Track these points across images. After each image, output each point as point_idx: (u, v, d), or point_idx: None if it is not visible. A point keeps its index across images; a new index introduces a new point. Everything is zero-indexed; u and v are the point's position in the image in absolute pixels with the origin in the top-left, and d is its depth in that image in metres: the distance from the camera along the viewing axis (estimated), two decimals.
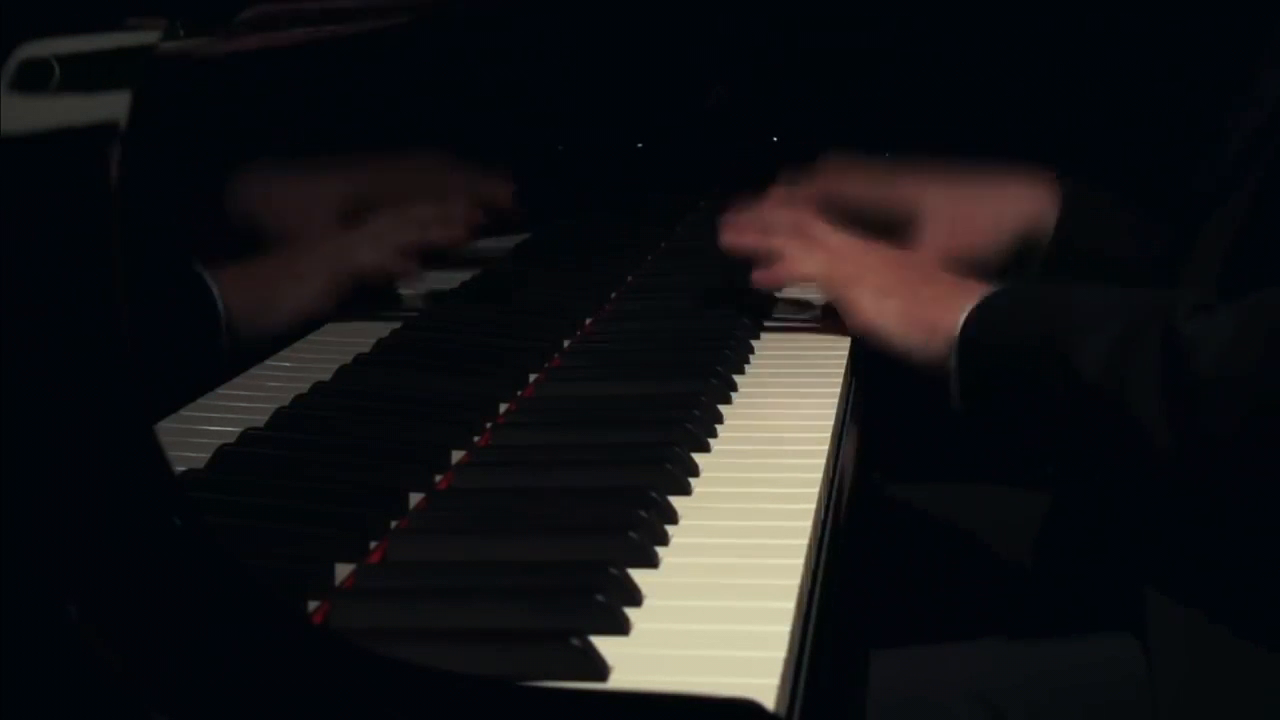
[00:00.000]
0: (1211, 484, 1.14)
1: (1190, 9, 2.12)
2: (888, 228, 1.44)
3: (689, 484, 1.00)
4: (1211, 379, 1.09)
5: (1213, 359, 1.09)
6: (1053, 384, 1.18)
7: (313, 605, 0.81)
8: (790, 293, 1.46)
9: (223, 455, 0.99)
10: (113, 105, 0.74)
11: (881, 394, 1.34)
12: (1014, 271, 1.43)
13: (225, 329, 1.03)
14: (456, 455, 1.04)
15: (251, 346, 1.08)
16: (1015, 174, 1.48)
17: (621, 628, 0.79)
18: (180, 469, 0.93)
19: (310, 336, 1.20)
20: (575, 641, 0.74)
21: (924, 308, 1.28)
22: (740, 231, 1.40)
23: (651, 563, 0.87)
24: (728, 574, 0.87)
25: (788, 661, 0.76)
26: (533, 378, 1.23)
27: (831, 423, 1.13)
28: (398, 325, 1.32)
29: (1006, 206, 1.45)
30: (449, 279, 1.42)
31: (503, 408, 1.15)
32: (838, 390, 1.21)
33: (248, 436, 1.02)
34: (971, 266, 1.39)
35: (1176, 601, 1.19)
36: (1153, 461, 1.13)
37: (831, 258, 1.35)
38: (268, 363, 1.15)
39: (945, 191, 1.48)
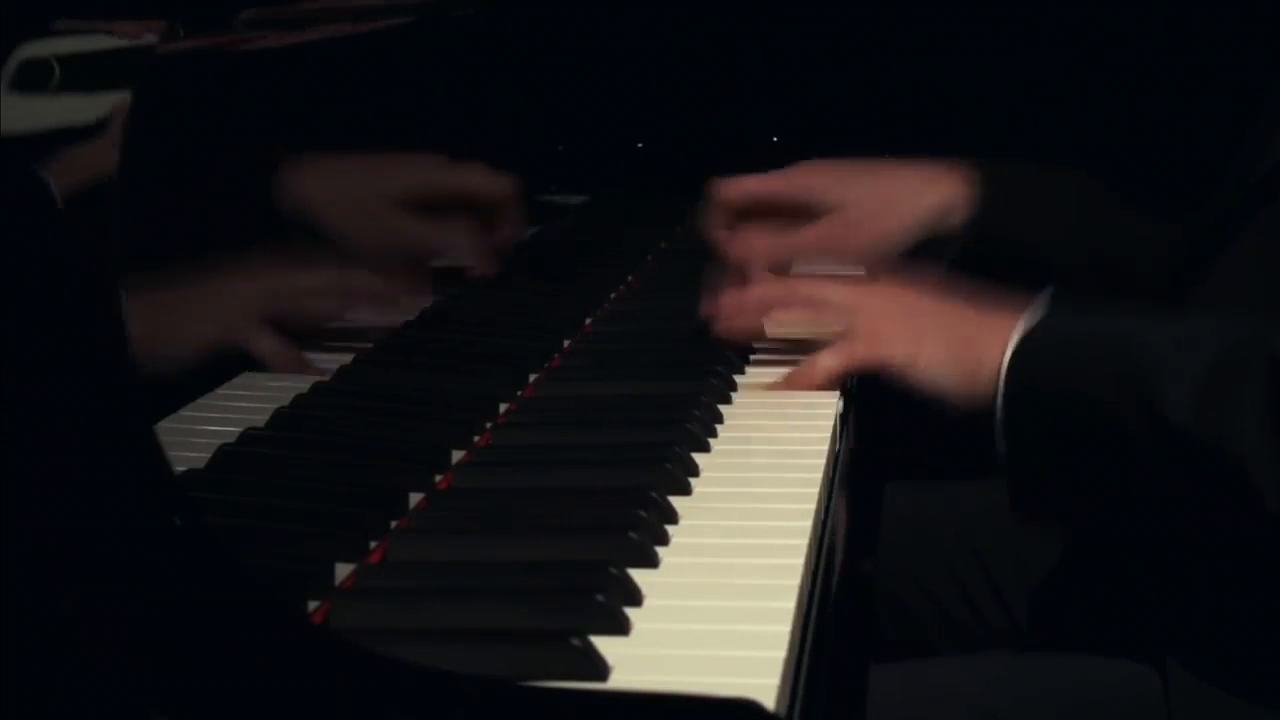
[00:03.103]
0: None
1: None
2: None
3: (689, 484, 1.00)
4: None
5: None
6: (1123, 435, 1.06)
7: (313, 605, 0.81)
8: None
9: (223, 455, 0.99)
10: (113, 105, 0.74)
11: (882, 393, 1.33)
12: (924, 258, 1.39)
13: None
14: (456, 455, 1.04)
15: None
16: (928, 163, 1.45)
17: (621, 628, 0.79)
18: (180, 469, 0.93)
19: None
20: (575, 641, 0.74)
21: (963, 347, 1.16)
22: (737, 316, 1.29)
23: (651, 563, 0.87)
24: (728, 574, 0.87)
25: (788, 661, 0.76)
26: (533, 378, 1.23)
27: (832, 422, 1.13)
28: (398, 325, 1.32)
29: (918, 194, 1.42)
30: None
31: (503, 408, 1.15)
32: (838, 390, 1.21)
33: (248, 436, 1.02)
34: (880, 254, 1.38)
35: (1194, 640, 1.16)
36: (1258, 516, 1.02)
37: (851, 328, 1.23)
38: None
39: (858, 181, 1.44)
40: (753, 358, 1.31)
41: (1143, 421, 1.05)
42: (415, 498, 0.96)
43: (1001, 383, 1.12)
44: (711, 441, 1.09)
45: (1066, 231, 1.43)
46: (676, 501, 0.95)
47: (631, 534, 0.88)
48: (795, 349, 1.33)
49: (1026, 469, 1.12)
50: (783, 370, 1.28)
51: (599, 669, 0.74)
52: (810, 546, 0.91)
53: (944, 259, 1.40)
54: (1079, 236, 1.42)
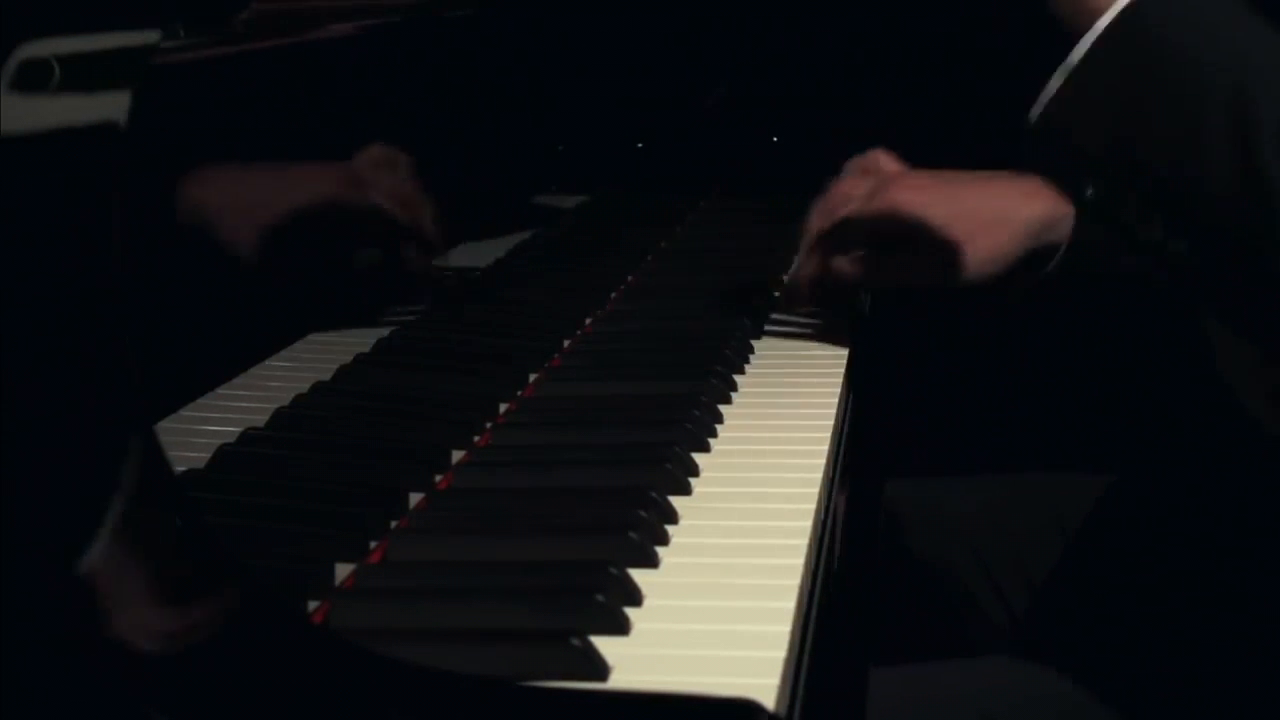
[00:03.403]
0: None
1: None
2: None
3: (689, 484, 1.00)
4: None
5: None
6: (1197, 144, 0.94)
7: (313, 605, 0.81)
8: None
9: (223, 455, 0.99)
10: (113, 105, 0.74)
11: (882, 393, 1.33)
12: (1025, 274, 1.33)
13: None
14: (456, 455, 1.04)
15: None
16: (1024, 175, 1.38)
17: (621, 628, 0.79)
18: (180, 469, 0.93)
19: (310, 336, 1.21)
20: (575, 641, 0.74)
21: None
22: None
23: (651, 563, 0.87)
24: (728, 574, 0.87)
25: (788, 661, 0.76)
26: (533, 378, 1.23)
27: (831, 423, 1.13)
28: (397, 325, 1.32)
29: (1023, 206, 1.35)
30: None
31: (503, 408, 1.15)
32: (838, 390, 1.21)
33: (248, 436, 1.03)
34: (991, 271, 1.32)
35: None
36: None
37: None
38: (268, 362, 1.15)
39: (960, 196, 1.36)
40: (754, 356, 1.31)
41: (1224, 139, 0.94)
42: (415, 498, 0.96)
43: (1105, 23, 1.01)
44: (711, 441, 1.09)
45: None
46: (676, 501, 0.95)
47: (631, 534, 0.88)
48: (797, 346, 1.33)
49: (1069, 129, 1.02)
50: (785, 369, 1.28)
51: (599, 669, 0.74)
52: (810, 546, 0.91)
53: (1047, 272, 1.34)
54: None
